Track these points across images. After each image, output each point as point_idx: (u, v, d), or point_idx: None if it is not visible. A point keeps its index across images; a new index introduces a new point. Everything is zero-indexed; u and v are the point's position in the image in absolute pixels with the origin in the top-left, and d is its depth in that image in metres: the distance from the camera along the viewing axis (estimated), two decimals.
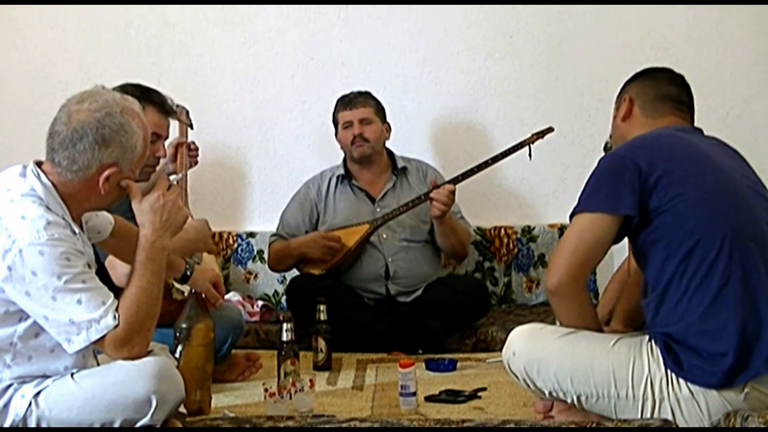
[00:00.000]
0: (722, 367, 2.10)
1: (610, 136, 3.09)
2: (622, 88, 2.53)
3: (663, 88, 2.44)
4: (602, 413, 2.24)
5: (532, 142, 3.66)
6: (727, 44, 4.12)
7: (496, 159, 3.65)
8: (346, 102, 3.79)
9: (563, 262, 2.23)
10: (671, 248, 2.18)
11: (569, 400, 2.27)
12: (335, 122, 3.84)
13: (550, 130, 3.69)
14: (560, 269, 2.23)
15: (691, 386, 2.13)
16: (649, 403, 2.16)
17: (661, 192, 2.18)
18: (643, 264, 2.29)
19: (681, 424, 2.13)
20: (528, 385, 2.32)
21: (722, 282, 2.13)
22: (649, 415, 2.16)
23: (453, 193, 3.57)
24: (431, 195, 3.57)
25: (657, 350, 2.18)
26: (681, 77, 2.49)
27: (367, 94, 3.82)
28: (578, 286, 2.25)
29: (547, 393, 2.29)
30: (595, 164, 3.18)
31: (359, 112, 3.75)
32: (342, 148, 3.84)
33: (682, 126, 2.40)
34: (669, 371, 2.15)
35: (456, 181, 3.62)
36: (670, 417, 2.14)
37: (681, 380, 2.14)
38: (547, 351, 2.27)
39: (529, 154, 3.66)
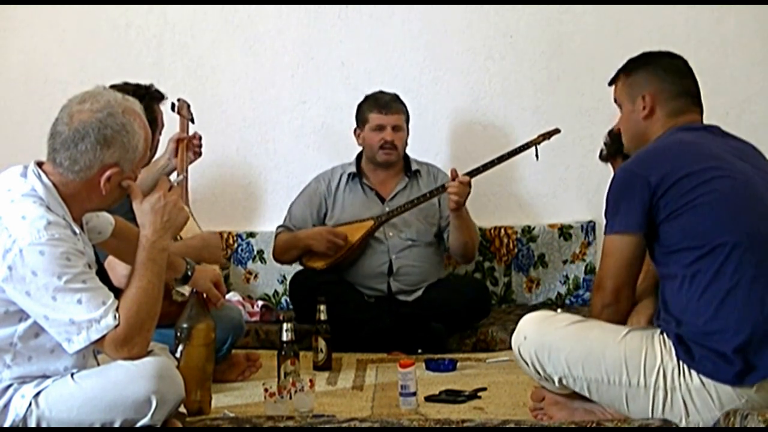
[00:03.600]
0: (732, 368, 2.11)
1: (610, 132, 3.10)
2: (632, 79, 2.46)
3: (684, 82, 2.44)
4: (612, 403, 2.24)
5: (539, 143, 3.65)
6: (727, 44, 4.12)
7: (502, 158, 3.64)
8: (381, 104, 3.73)
9: (607, 285, 2.32)
10: (683, 253, 2.20)
11: (578, 388, 2.27)
12: (362, 120, 3.78)
13: (557, 131, 3.69)
14: (605, 293, 2.32)
15: (703, 378, 2.14)
16: (660, 393, 2.17)
17: (671, 201, 2.21)
18: (659, 267, 2.31)
19: (693, 414, 2.15)
20: (537, 371, 2.32)
21: (732, 284, 2.14)
22: (660, 406, 2.17)
23: (469, 185, 3.56)
24: (447, 187, 3.56)
25: (669, 342, 2.19)
26: (685, 62, 2.48)
27: (400, 99, 3.78)
28: (623, 304, 2.33)
29: (556, 379, 2.29)
30: (596, 160, 3.20)
31: (394, 118, 3.72)
32: (362, 146, 3.81)
33: (698, 124, 2.41)
34: (681, 362, 2.16)
35: (472, 174, 3.61)
36: (681, 408, 2.15)
37: (692, 371, 2.15)
38: (559, 336, 2.29)
39: (536, 155, 3.65)
